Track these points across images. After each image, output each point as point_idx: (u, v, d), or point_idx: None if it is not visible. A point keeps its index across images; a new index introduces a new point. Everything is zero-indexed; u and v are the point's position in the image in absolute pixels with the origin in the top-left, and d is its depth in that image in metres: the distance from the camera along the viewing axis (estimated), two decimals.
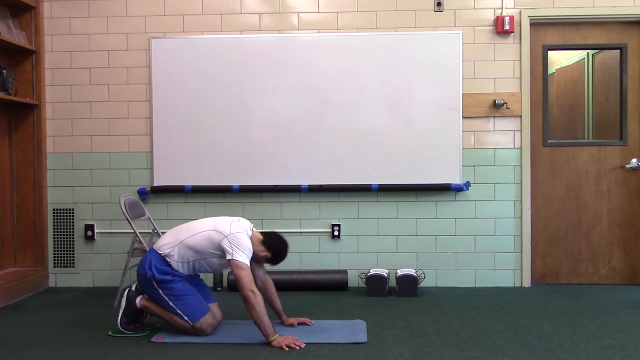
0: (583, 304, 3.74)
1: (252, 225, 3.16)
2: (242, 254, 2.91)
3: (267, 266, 3.23)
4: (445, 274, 4.28)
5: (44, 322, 3.43)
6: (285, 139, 4.25)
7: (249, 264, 2.94)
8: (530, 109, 4.24)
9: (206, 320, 3.02)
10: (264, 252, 3.09)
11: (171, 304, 3.01)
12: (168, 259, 3.03)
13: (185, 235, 3.06)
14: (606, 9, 4.16)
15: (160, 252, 3.05)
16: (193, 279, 3.17)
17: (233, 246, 2.92)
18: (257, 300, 2.86)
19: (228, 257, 2.92)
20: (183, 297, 3.02)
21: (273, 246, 3.11)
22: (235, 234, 2.96)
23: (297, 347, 2.83)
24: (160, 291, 3.02)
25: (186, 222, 4.16)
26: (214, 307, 3.14)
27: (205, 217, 4.20)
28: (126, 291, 3.17)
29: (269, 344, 2.87)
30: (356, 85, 4.21)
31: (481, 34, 4.23)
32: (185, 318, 3.00)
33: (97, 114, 4.35)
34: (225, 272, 4.14)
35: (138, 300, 3.13)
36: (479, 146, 4.25)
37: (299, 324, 3.23)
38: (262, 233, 3.16)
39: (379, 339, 3.00)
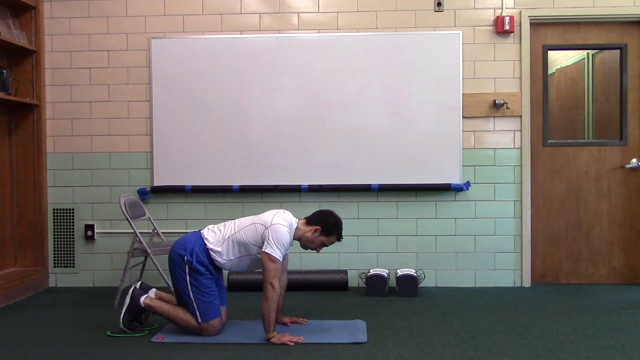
0: (583, 304, 3.74)
1: (297, 220, 3.14)
2: (276, 249, 2.90)
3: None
4: (445, 274, 4.28)
5: (44, 322, 3.42)
6: (285, 138, 4.24)
7: (280, 259, 2.93)
8: (530, 109, 4.24)
9: (214, 324, 3.01)
10: (313, 229, 3.05)
11: (190, 294, 2.99)
12: (212, 254, 3.01)
13: (232, 230, 3.04)
14: (606, 9, 4.17)
15: (207, 244, 3.02)
16: (219, 279, 3.15)
17: (271, 238, 2.91)
18: (275, 294, 2.87)
19: (263, 248, 2.92)
20: (205, 295, 2.99)
21: (318, 218, 3.09)
22: (277, 225, 2.95)
23: (299, 340, 2.90)
24: (187, 277, 2.99)
25: (186, 222, 4.26)
26: (223, 311, 3.13)
27: (205, 217, 4.26)
28: (131, 289, 3.17)
29: (267, 340, 2.89)
30: (356, 85, 4.21)
31: (481, 34, 4.23)
32: (197, 313, 2.98)
33: (97, 114, 4.35)
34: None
35: (142, 299, 3.13)
36: (479, 146, 4.25)
37: (292, 323, 3.25)
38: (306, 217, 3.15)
39: (379, 339, 2.99)
